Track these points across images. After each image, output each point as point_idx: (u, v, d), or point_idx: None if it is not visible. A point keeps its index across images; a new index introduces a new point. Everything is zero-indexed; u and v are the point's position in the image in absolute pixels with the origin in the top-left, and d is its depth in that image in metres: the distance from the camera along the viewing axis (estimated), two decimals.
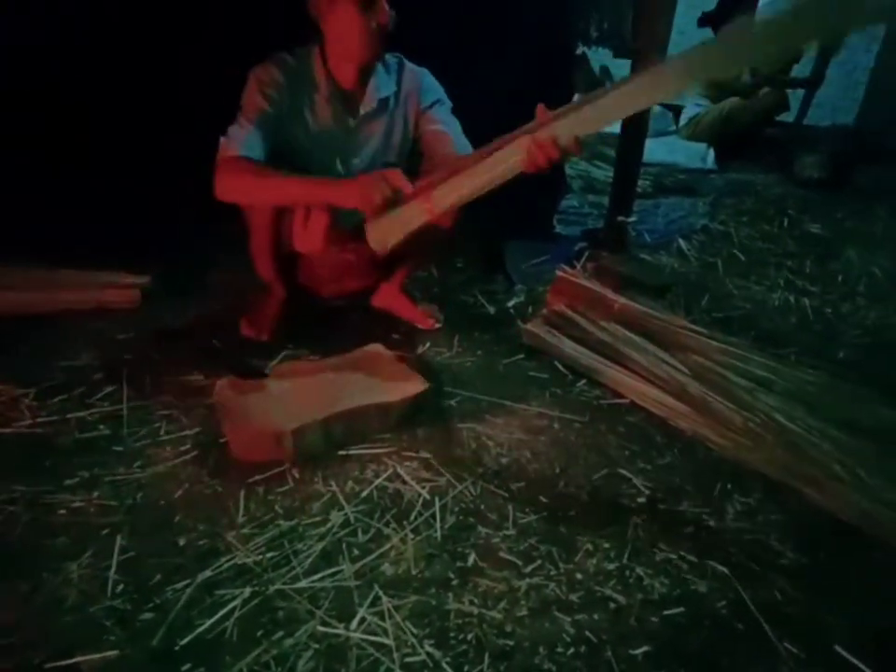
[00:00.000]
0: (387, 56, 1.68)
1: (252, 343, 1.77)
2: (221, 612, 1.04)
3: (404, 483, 1.35)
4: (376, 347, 1.66)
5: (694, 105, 4.86)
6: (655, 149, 4.02)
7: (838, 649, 1.04)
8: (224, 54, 1.78)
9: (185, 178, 1.57)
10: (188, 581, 1.09)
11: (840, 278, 2.62)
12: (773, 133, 5.12)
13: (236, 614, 1.03)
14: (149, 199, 1.92)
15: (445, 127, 1.70)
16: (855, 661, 1.01)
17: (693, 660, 1.01)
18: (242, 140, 1.49)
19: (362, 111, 1.66)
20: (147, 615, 1.03)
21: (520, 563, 1.17)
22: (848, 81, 5.79)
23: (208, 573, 1.11)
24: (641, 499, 1.35)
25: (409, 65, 1.71)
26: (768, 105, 4.87)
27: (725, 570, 1.18)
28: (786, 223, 3.26)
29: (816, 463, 1.38)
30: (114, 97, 2.01)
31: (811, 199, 3.82)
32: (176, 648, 0.98)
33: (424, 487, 1.34)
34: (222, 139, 1.49)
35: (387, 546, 1.19)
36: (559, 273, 2.09)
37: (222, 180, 1.46)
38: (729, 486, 1.40)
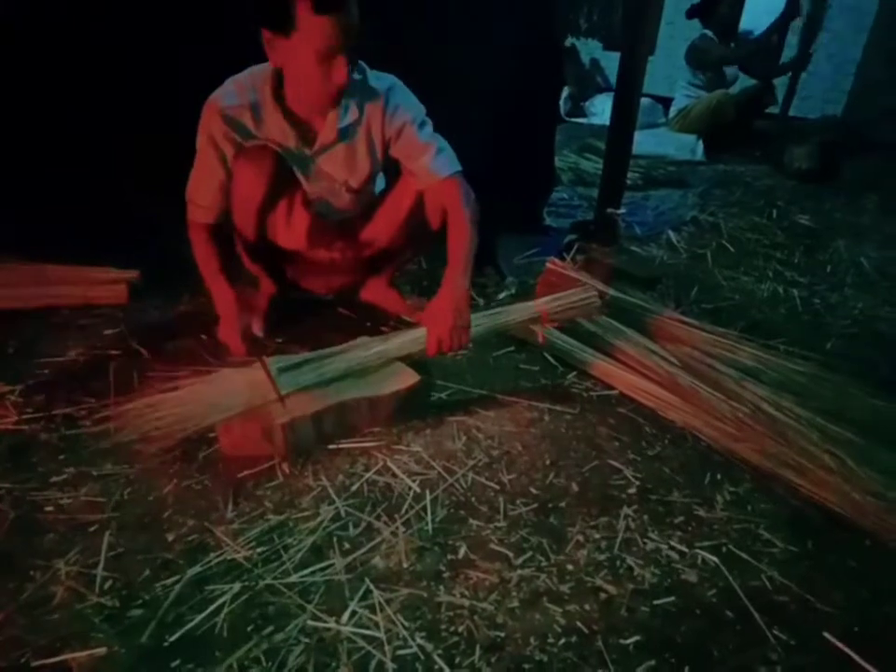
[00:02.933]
0: None
1: None
2: (211, 608, 1.03)
3: (395, 476, 1.35)
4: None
5: (684, 97, 4.88)
6: (645, 141, 4.04)
7: (827, 636, 1.04)
8: (215, 52, 1.76)
9: (173, 174, 1.56)
10: (177, 578, 1.08)
11: (828, 269, 2.65)
12: (762, 124, 5.15)
13: (226, 610, 1.03)
14: (137, 194, 1.90)
15: (414, 162, 1.60)
16: (844, 647, 1.02)
17: (683, 649, 1.01)
18: (199, 202, 1.57)
19: (319, 142, 1.55)
20: (136, 612, 1.02)
21: (511, 554, 1.17)
22: (837, 73, 5.82)
23: (198, 569, 1.10)
24: (631, 490, 1.35)
25: (372, 83, 1.53)
26: (756, 97, 4.90)
27: (715, 559, 1.18)
28: (775, 214, 3.28)
29: (805, 453, 1.38)
30: (104, 93, 1.98)
31: (800, 190, 3.86)
32: (166, 644, 0.97)
33: (414, 480, 1.33)
34: (187, 190, 1.57)
35: (378, 540, 1.19)
36: (548, 265, 2.09)
37: (190, 238, 1.61)
38: (719, 476, 1.40)
